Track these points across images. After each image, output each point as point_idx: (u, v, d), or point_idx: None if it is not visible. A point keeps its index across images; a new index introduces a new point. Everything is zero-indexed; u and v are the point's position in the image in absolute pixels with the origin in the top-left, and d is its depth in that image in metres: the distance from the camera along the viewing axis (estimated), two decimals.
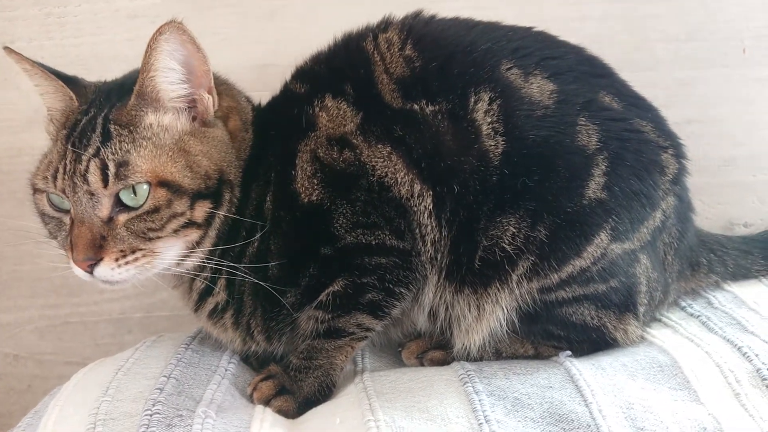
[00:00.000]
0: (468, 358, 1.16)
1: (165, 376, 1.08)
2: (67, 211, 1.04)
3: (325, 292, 1.09)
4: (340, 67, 1.16)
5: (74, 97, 1.09)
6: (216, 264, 1.08)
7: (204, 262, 1.08)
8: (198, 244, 1.07)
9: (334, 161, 1.09)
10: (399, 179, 1.08)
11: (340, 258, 1.08)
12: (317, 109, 1.12)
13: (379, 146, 1.08)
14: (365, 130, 1.09)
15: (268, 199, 1.11)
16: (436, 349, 1.20)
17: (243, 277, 1.08)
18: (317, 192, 1.08)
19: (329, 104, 1.12)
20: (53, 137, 1.09)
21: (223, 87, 1.14)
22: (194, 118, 1.08)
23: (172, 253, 1.05)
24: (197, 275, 1.12)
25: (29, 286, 1.59)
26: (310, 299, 1.10)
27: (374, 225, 1.07)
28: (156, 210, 1.00)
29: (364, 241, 1.07)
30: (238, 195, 1.10)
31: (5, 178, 1.56)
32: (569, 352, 1.15)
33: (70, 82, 1.11)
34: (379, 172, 1.08)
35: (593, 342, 1.16)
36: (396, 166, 1.08)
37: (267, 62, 1.47)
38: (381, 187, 1.08)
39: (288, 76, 1.21)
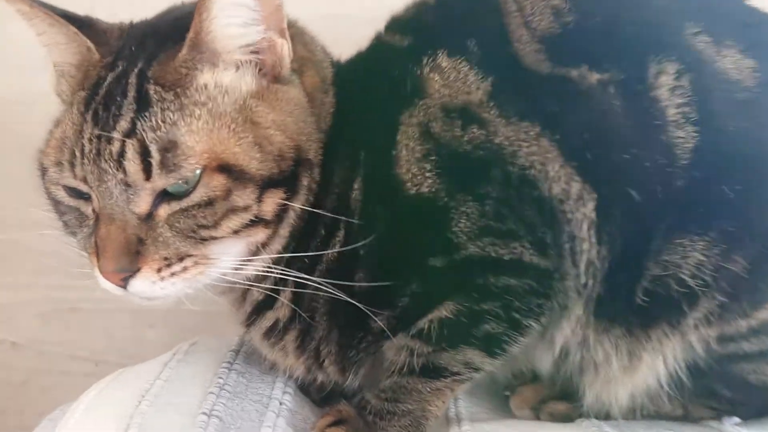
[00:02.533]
0: (601, 415, 0.88)
1: (205, 413, 0.81)
2: (89, 198, 0.78)
3: (427, 318, 0.82)
4: (459, 17, 0.88)
5: (92, 47, 0.80)
6: (283, 272, 0.82)
7: (268, 270, 0.82)
8: (264, 246, 0.80)
9: (456, 140, 0.80)
10: (550, 173, 0.79)
11: (455, 274, 0.80)
12: (427, 70, 0.84)
13: (524, 124, 0.79)
14: (501, 100, 0.80)
15: (355, 187, 0.83)
16: (559, 399, 0.93)
17: (317, 289, 0.81)
18: (430, 182, 0.80)
19: (444, 64, 0.83)
20: (66, 100, 0.81)
21: (293, 30, 0.85)
22: (261, 74, 0.80)
23: (230, 258, 0.79)
24: (256, 285, 0.85)
25: (33, 260, 1.32)
26: (407, 325, 0.83)
27: (509, 234, 0.79)
28: (209, 203, 0.74)
29: (492, 254, 0.79)
30: (318, 180, 0.82)
31: (13, 129, 1.27)
32: (737, 419, 0.88)
33: (85, 26, 0.82)
34: (521, 160, 0.79)
35: (763, 407, 0.89)
36: (547, 155, 0.79)
37: (333, 11, 1.20)
38: (522, 181, 0.79)
39: (381, 28, 0.93)
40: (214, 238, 0.76)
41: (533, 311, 0.81)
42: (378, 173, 0.83)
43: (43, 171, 0.81)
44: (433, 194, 0.80)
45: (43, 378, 1.39)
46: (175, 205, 0.74)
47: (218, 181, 0.74)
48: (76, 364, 1.36)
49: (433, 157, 0.80)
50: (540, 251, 0.79)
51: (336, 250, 0.82)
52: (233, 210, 0.76)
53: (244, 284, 0.84)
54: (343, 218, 0.82)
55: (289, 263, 0.82)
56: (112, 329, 1.37)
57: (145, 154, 0.72)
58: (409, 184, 0.80)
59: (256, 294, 0.87)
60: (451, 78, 0.83)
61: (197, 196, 0.74)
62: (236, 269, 0.80)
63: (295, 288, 0.84)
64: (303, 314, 0.85)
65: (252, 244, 0.80)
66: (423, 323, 0.82)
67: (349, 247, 0.81)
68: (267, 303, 0.87)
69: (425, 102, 0.82)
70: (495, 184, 0.79)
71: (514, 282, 0.80)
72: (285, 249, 0.82)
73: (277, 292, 0.85)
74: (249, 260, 0.80)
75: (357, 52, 0.93)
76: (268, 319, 0.88)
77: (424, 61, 0.84)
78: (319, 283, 0.81)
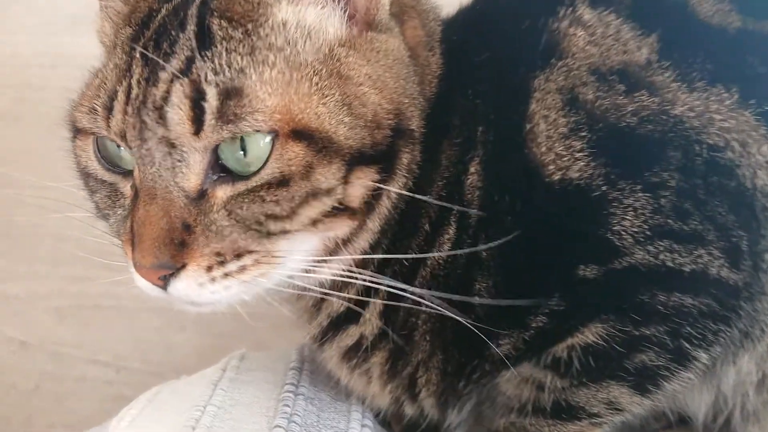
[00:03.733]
0: None
1: None
2: (128, 174, 0.64)
3: (567, 343, 0.64)
4: None
5: None
6: (372, 279, 0.65)
7: (351, 275, 0.65)
8: (346, 243, 0.65)
9: (617, 111, 0.62)
10: (753, 156, 0.61)
11: (611, 288, 0.62)
12: (565, 24, 0.67)
13: (716, 90, 0.61)
14: (677, 60, 0.63)
15: (471, 170, 0.66)
16: None
17: (417, 302, 0.64)
18: (581, 164, 0.62)
19: (587, 17, 0.67)
20: (109, 43, 0.68)
21: None
22: (352, 19, 0.65)
23: (301, 256, 0.63)
24: (336, 293, 0.68)
25: (50, 247, 1.21)
26: (538, 352, 0.65)
27: (694, 237, 0.60)
28: (282, 183, 0.59)
29: (669, 263, 0.60)
30: (420, 158, 0.66)
31: (33, 96, 1.18)
32: None
33: None
34: (712, 138, 0.60)
35: None
36: (750, 132, 0.60)
37: None
38: (713, 166, 0.61)
39: None
40: (285, 232, 0.61)
41: (706, 339, 0.63)
42: (504, 153, 0.65)
43: (74, 131, 0.67)
44: (585, 181, 0.61)
45: (56, 384, 1.24)
46: (240, 186, 0.59)
47: (295, 152, 0.59)
48: (95, 370, 1.22)
49: (584, 133, 0.62)
50: (732, 262, 0.60)
51: (446, 253, 0.65)
52: (313, 193, 0.60)
53: (321, 292, 0.67)
54: (456, 209, 0.64)
55: (380, 267, 0.66)
56: (138, 331, 1.22)
57: (197, 98, 0.58)
58: (551, 168, 0.62)
59: (336, 305, 0.70)
60: (599, 33, 0.66)
61: (267, 172, 0.59)
62: (308, 271, 0.64)
63: (387, 299, 0.67)
64: (396, 333, 0.68)
65: (330, 240, 0.64)
66: (560, 350, 0.64)
67: (465, 250, 0.64)
68: (350, 316, 0.70)
69: (566, 63, 0.65)
70: (674, 170, 0.60)
71: (689, 301, 0.61)
72: (374, 248, 0.66)
73: (364, 303, 0.68)
74: (324, 260, 0.64)
75: (461, 6, 0.76)
76: (349, 336, 0.71)
77: (561, 13, 0.67)
78: (419, 295, 0.63)
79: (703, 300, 0.61)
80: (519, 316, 0.63)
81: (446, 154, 0.67)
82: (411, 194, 0.64)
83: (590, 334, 0.62)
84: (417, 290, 0.63)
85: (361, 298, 0.68)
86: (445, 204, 0.64)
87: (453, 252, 0.64)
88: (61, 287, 1.22)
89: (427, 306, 0.63)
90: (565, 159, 0.62)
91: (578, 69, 0.64)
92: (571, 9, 0.67)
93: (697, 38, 0.64)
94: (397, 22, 0.68)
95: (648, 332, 0.62)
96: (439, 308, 0.62)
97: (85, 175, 0.67)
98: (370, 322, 0.69)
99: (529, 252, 0.62)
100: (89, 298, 1.22)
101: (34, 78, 1.16)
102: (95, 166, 0.65)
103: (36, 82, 1.16)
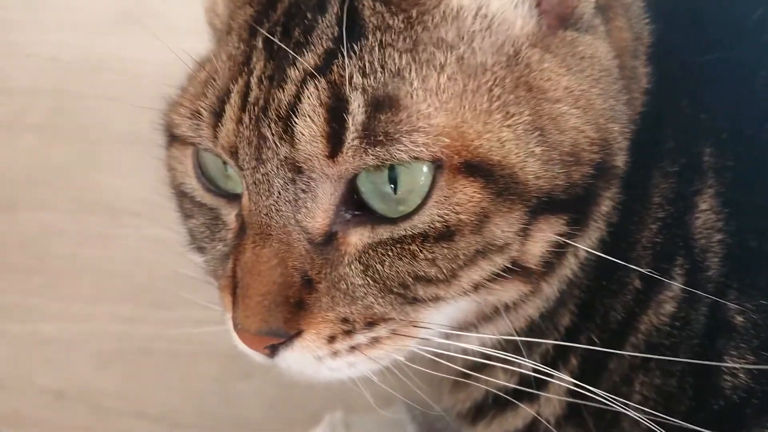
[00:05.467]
0: None
1: None
2: (235, 199, 0.54)
3: None
4: None
5: None
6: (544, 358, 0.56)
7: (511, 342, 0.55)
8: (509, 308, 0.53)
9: None
10: None
11: None
12: None
13: None
14: None
15: (703, 206, 0.54)
16: None
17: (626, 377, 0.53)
18: None
19: None
20: (221, 26, 0.59)
21: None
22: (542, 10, 0.53)
23: (448, 321, 0.53)
24: (485, 365, 0.57)
25: (93, 282, 1.11)
26: None
27: None
28: (446, 235, 0.48)
29: None
30: (621, 198, 0.54)
31: (73, 106, 1.06)
32: None
33: None
34: None
35: None
36: None
37: None
38: None
39: None
40: (436, 299, 0.50)
41: None
42: (753, 182, 0.53)
43: (170, 137, 0.56)
44: None
45: None
46: (382, 231, 0.49)
47: (467, 195, 0.47)
48: (143, 426, 1.11)
49: None
50: None
51: (667, 316, 0.53)
52: (483, 251, 0.49)
53: (479, 361, 0.56)
54: (678, 265, 0.52)
55: (568, 330, 0.55)
56: (193, 379, 1.10)
57: (337, 107, 0.46)
58: None
59: (503, 376, 0.57)
60: None
61: (424, 220, 0.48)
62: (448, 337, 0.54)
63: (570, 380, 0.54)
64: (593, 415, 0.54)
65: (489, 305, 0.52)
66: None
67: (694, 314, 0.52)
68: (520, 391, 0.56)
69: None
70: None
71: None
72: (550, 315, 0.55)
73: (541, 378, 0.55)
74: (476, 325, 0.54)
75: None
76: (519, 418, 0.57)
77: None
78: (635, 368, 0.52)
79: None
80: None
81: (659, 189, 0.54)
82: (607, 257, 0.51)
83: None
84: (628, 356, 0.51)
85: (538, 368, 0.53)
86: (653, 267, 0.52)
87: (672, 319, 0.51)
88: (104, 329, 1.13)
89: (640, 384, 0.51)
90: None
91: None
92: None
93: None
94: (603, 20, 0.54)
95: None
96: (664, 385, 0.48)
97: (180, 195, 0.57)
98: (551, 403, 0.55)
99: None
100: (135, 341, 1.13)
101: (74, 84, 1.06)
102: (193, 185, 0.55)
103: (76, 89, 1.07)
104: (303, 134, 0.46)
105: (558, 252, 0.51)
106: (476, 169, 0.47)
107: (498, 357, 0.55)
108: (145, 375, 1.13)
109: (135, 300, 1.12)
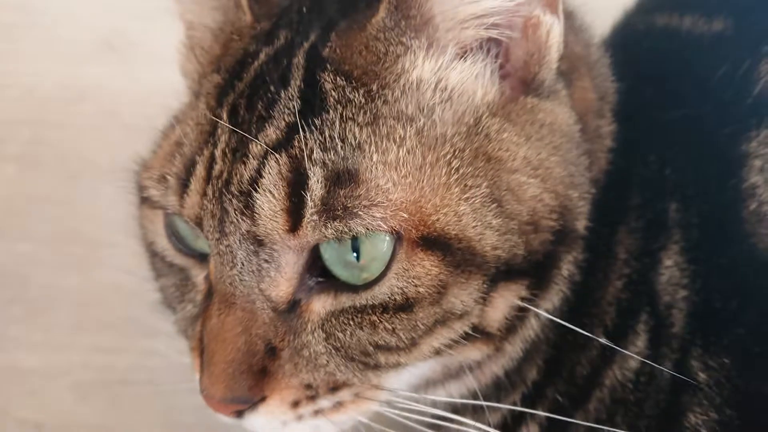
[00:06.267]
0: None
1: None
2: (204, 259, 0.55)
3: None
4: None
5: (245, 4, 0.58)
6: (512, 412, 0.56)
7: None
8: (473, 368, 0.55)
9: None
10: None
11: None
12: None
13: None
14: None
15: (668, 262, 0.54)
16: None
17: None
18: None
19: None
20: (193, 87, 0.60)
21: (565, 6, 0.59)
22: (503, 74, 0.54)
23: (411, 382, 0.56)
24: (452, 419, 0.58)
25: (72, 312, 1.09)
26: None
27: None
28: (405, 306, 0.49)
29: None
30: (584, 257, 0.56)
31: (53, 136, 1.06)
32: None
33: None
34: None
35: None
36: None
37: None
38: None
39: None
40: (398, 365, 0.51)
41: None
42: (717, 240, 0.53)
43: (142, 198, 0.57)
44: None
45: None
46: (344, 299, 0.50)
47: (424, 268, 0.48)
48: None
49: None
50: None
51: (632, 371, 0.54)
52: (443, 320, 0.50)
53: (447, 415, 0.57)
54: (646, 323, 0.53)
55: (535, 387, 0.56)
56: (178, 413, 1.08)
57: (297, 181, 0.48)
58: None
59: (473, 427, 0.57)
60: None
61: (384, 291, 0.49)
62: (420, 395, 0.56)
63: (546, 425, 0.56)
64: None
65: (454, 364, 0.55)
66: None
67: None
68: None
69: None
70: None
71: None
72: (516, 370, 0.56)
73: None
74: (441, 382, 0.56)
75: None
76: None
77: None
78: (602, 422, 0.53)
79: None
80: None
81: (624, 246, 0.55)
82: (567, 325, 0.52)
83: None
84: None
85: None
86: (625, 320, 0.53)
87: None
88: (85, 359, 1.10)
89: None
90: None
91: None
92: None
93: None
94: (566, 83, 0.55)
95: None
96: None
97: (152, 254, 0.58)
98: None
99: None
100: (116, 372, 1.10)
101: (53, 114, 1.06)
102: (164, 245, 0.58)
103: (56, 119, 1.06)
104: (263, 209, 0.47)
105: (519, 315, 0.52)
106: (434, 243, 0.47)
107: (466, 409, 0.56)
108: (126, 406, 1.10)
109: (115, 330, 1.09)
